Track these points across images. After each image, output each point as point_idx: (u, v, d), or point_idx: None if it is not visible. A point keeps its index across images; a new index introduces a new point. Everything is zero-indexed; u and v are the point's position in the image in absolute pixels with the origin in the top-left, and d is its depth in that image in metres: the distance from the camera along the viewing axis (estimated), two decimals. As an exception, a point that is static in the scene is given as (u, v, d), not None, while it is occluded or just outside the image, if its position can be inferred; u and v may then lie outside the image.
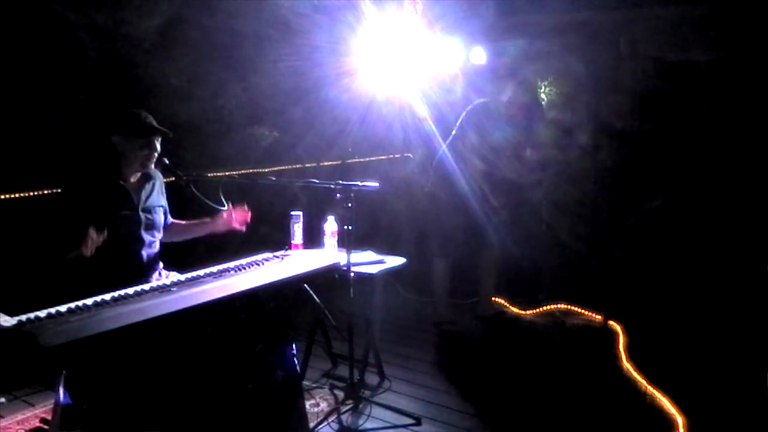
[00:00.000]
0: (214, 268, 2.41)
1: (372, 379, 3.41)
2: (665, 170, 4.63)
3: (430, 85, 4.83)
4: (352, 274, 2.90)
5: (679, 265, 4.25)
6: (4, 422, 2.89)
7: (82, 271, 2.43)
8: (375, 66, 4.34)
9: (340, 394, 3.22)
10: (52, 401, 2.53)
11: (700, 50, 4.81)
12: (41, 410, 3.00)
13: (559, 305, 4.53)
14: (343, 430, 2.91)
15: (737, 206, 4.30)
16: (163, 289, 2.13)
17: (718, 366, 3.40)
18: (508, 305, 4.66)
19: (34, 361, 1.70)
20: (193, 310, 2.07)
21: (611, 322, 4.10)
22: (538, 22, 5.22)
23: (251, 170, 4.33)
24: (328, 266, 2.75)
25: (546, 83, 5.19)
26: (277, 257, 2.64)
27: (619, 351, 3.77)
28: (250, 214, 2.88)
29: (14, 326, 1.74)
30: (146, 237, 2.71)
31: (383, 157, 5.65)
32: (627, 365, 3.58)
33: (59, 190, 2.77)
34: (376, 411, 3.05)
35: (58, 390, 2.01)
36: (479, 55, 5.23)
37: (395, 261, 3.29)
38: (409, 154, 5.73)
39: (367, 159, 5.45)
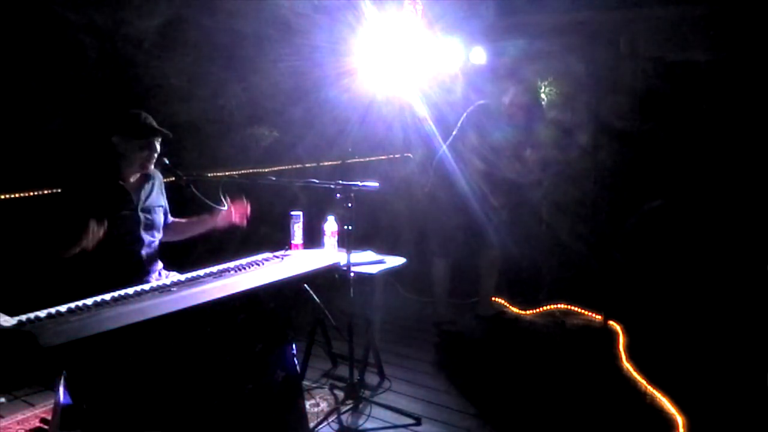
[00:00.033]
0: (214, 268, 2.41)
1: (372, 379, 3.41)
2: (665, 170, 4.63)
3: (430, 85, 4.83)
4: (352, 274, 2.90)
5: (679, 265, 4.25)
6: (4, 422, 2.89)
7: (82, 271, 2.44)
8: (375, 66, 4.34)
9: (340, 394, 3.22)
10: (52, 401, 2.53)
11: (700, 50, 4.81)
12: (41, 410, 3.00)
13: (559, 305, 4.54)
14: (343, 430, 2.91)
15: (737, 206, 4.30)
16: (163, 289, 2.13)
17: (718, 366, 3.40)
18: (508, 305, 4.66)
19: (34, 361, 1.70)
20: (193, 310, 2.07)
21: (611, 322, 4.10)
22: (538, 22, 5.22)
23: (251, 170, 4.33)
24: (328, 266, 2.75)
25: (546, 83, 5.18)
26: (277, 257, 2.64)
27: (619, 351, 3.77)
28: (249, 207, 2.88)
29: (14, 326, 1.74)
30: (146, 237, 2.72)
31: (383, 157, 5.65)
32: (627, 365, 3.58)
33: (59, 190, 2.77)
34: (376, 411, 3.05)
35: (58, 390, 2.01)
36: (479, 55, 5.23)
37: (395, 261, 3.29)
38: (409, 154, 5.73)
39: (367, 159, 5.45)
